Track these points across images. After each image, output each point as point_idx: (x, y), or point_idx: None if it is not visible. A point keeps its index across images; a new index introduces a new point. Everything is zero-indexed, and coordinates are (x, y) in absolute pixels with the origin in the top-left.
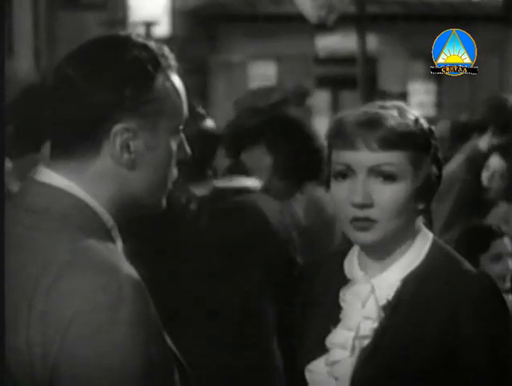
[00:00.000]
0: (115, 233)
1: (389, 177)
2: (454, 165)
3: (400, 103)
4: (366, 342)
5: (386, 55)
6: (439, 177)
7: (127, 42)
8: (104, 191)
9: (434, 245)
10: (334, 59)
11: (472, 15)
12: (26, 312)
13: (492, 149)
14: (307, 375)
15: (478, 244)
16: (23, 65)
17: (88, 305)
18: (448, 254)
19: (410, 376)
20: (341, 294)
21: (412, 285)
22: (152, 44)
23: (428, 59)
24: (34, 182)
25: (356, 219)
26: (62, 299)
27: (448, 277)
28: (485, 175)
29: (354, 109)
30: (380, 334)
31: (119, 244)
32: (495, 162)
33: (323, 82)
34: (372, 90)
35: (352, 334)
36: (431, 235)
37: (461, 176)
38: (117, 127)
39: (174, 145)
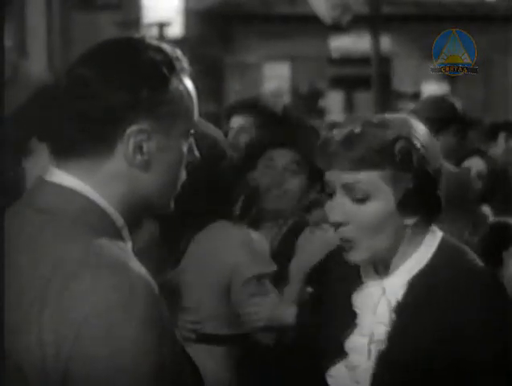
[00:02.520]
0: (125, 233)
1: (360, 197)
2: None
3: (397, 117)
4: (381, 345)
5: (399, 55)
6: (431, 191)
7: (142, 44)
8: (115, 192)
9: (442, 243)
10: (348, 60)
11: (486, 15)
12: (38, 312)
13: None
14: (329, 380)
15: (500, 240)
16: (37, 66)
17: (100, 305)
18: (455, 252)
19: (425, 377)
20: (353, 299)
21: (418, 285)
22: (166, 47)
23: None
24: (44, 183)
25: (340, 239)
26: (74, 299)
27: (453, 276)
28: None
29: (341, 126)
30: (392, 338)
31: (129, 243)
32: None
33: (337, 82)
34: (386, 90)
35: (366, 339)
36: (440, 233)
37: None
38: (132, 128)
39: (185, 148)
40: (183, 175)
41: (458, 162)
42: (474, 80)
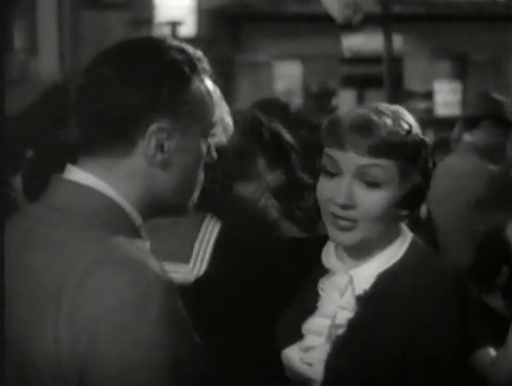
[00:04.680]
0: (143, 232)
1: (373, 182)
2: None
3: (398, 108)
4: (341, 331)
5: (411, 54)
6: (426, 187)
7: (164, 43)
8: (133, 190)
9: (412, 245)
10: (359, 59)
11: (496, 15)
12: (54, 311)
13: None
14: (284, 360)
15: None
16: (47, 65)
17: (116, 303)
18: (424, 254)
19: (379, 368)
20: (320, 283)
21: (385, 280)
22: (188, 47)
23: (453, 58)
24: (60, 181)
25: (336, 217)
26: (90, 297)
27: (417, 277)
28: None
29: (350, 110)
30: (353, 325)
31: (147, 242)
32: None
33: (348, 82)
34: (397, 89)
35: (328, 321)
36: (410, 235)
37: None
38: (153, 127)
39: (204, 149)
40: (202, 176)
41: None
42: (485, 78)
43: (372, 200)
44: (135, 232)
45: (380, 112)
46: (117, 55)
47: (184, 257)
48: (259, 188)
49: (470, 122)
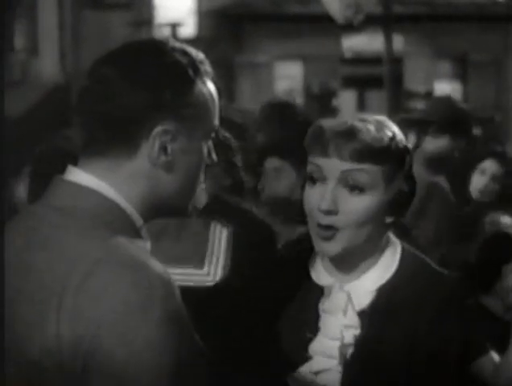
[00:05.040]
0: (144, 233)
1: (356, 187)
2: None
3: (382, 118)
4: (350, 349)
5: (411, 54)
6: (412, 194)
7: (167, 46)
8: (135, 192)
9: (404, 253)
10: (360, 60)
11: (497, 15)
12: (56, 311)
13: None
14: (291, 383)
15: (500, 252)
16: (48, 66)
17: (118, 304)
18: (418, 260)
19: (392, 380)
20: (321, 304)
21: (387, 293)
22: (191, 49)
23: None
24: (62, 181)
25: (319, 226)
26: (92, 298)
27: (416, 284)
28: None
29: (335, 119)
30: (362, 342)
31: (148, 243)
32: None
33: (349, 82)
34: (398, 90)
35: (337, 343)
36: (398, 242)
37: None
38: (158, 129)
39: (205, 151)
40: (202, 178)
41: (470, 166)
42: (486, 78)
43: (356, 205)
44: (136, 233)
45: (363, 120)
46: (122, 57)
47: (197, 262)
48: None
49: (423, 128)
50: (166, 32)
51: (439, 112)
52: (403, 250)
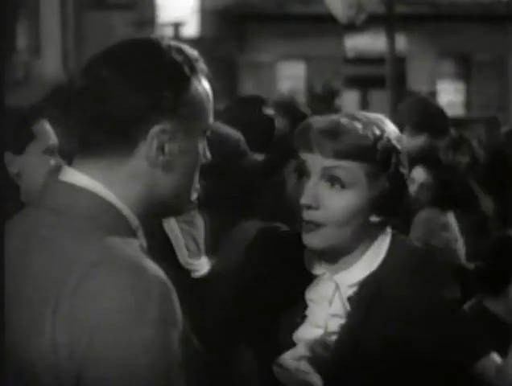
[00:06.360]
0: (140, 234)
1: (338, 182)
2: None
3: (378, 116)
4: (334, 337)
5: (414, 54)
6: (400, 194)
7: (162, 44)
8: (132, 192)
9: (394, 241)
10: (363, 59)
11: (501, 15)
12: (52, 313)
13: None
14: (276, 370)
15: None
16: (51, 65)
17: (115, 306)
18: (408, 248)
19: (379, 371)
20: (307, 293)
21: (373, 282)
22: (186, 47)
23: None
24: (58, 182)
25: (303, 220)
26: (89, 300)
27: (404, 269)
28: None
29: (326, 116)
30: (346, 329)
31: (144, 244)
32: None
33: (352, 82)
34: (401, 90)
35: (320, 331)
36: (389, 231)
37: None
38: (156, 128)
39: (200, 149)
40: (197, 177)
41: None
42: (489, 78)
43: (337, 201)
44: (132, 234)
45: (352, 117)
46: (117, 56)
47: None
48: None
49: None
50: (168, 32)
51: (416, 111)
52: (393, 240)
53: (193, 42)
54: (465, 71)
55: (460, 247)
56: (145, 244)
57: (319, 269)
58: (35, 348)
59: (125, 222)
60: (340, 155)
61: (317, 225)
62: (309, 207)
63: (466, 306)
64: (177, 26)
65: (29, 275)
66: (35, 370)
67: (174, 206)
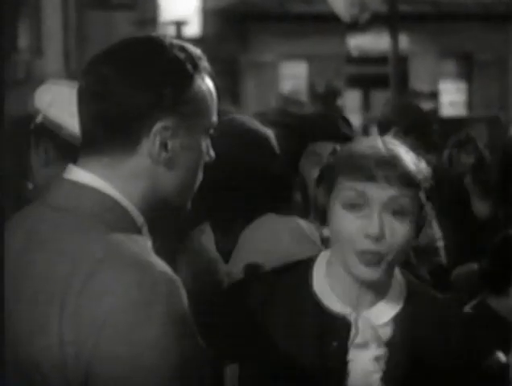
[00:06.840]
0: (145, 231)
1: (400, 212)
2: None
3: (397, 142)
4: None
5: (417, 54)
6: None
7: (165, 42)
8: (136, 189)
9: (408, 282)
10: (365, 59)
11: (503, 14)
12: (58, 311)
13: None
14: None
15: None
16: (52, 65)
17: (122, 303)
18: (422, 287)
19: None
20: (350, 356)
21: (404, 322)
22: (188, 45)
23: (459, 57)
24: (62, 181)
25: (365, 252)
26: (95, 297)
27: (431, 311)
28: None
29: (360, 142)
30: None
31: (149, 241)
32: None
33: (354, 81)
34: (403, 89)
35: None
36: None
37: None
38: (158, 125)
39: (204, 147)
40: (201, 175)
41: None
42: (491, 78)
43: (400, 231)
44: (137, 231)
45: (392, 144)
46: (119, 54)
47: None
48: None
49: (383, 127)
50: (170, 31)
51: (401, 114)
52: (406, 279)
53: (195, 41)
54: (467, 70)
55: (442, 245)
56: (150, 241)
57: (344, 309)
58: (41, 348)
59: (130, 219)
60: (403, 183)
61: (380, 256)
62: (377, 239)
63: (469, 305)
64: (179, 25)
65: (31, 273)
66: (41, 370)
67: (175, 203)
